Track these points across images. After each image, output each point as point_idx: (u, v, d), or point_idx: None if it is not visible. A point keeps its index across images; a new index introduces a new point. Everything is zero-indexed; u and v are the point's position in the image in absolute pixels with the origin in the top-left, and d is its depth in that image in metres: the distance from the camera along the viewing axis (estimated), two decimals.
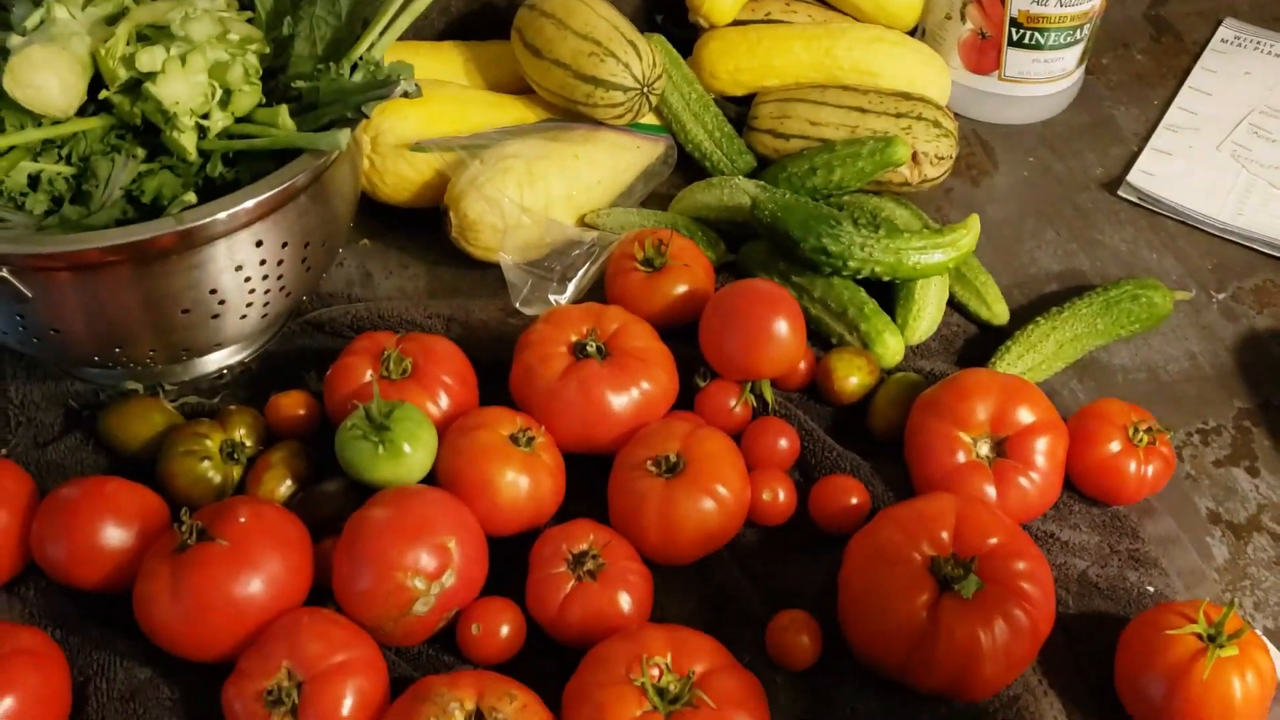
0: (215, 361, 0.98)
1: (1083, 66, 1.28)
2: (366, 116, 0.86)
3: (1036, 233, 1.16)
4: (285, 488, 0.86)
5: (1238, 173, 1.21)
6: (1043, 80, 1.24)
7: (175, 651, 0.78)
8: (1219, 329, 1.08)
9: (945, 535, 0.80)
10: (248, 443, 0.89)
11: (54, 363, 0.96)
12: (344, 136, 0.83)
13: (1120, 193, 1.20)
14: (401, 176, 1.07)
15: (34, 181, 0.86)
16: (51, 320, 0.84)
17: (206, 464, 0.86)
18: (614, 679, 0.72)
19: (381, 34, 0.90)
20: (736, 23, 1.21)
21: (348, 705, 0.72)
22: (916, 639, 0.77)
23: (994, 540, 0.80)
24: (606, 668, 0.73)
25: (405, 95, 0.85)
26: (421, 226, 1.11)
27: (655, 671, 0.72)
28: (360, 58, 0.89)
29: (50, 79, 0.81)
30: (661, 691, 0.72)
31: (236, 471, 0.88)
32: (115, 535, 0.80)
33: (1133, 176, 1.21)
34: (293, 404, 0.92)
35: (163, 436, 0.89)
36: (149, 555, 0.78)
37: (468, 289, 1.08)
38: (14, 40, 0.84)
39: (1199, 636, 0.77)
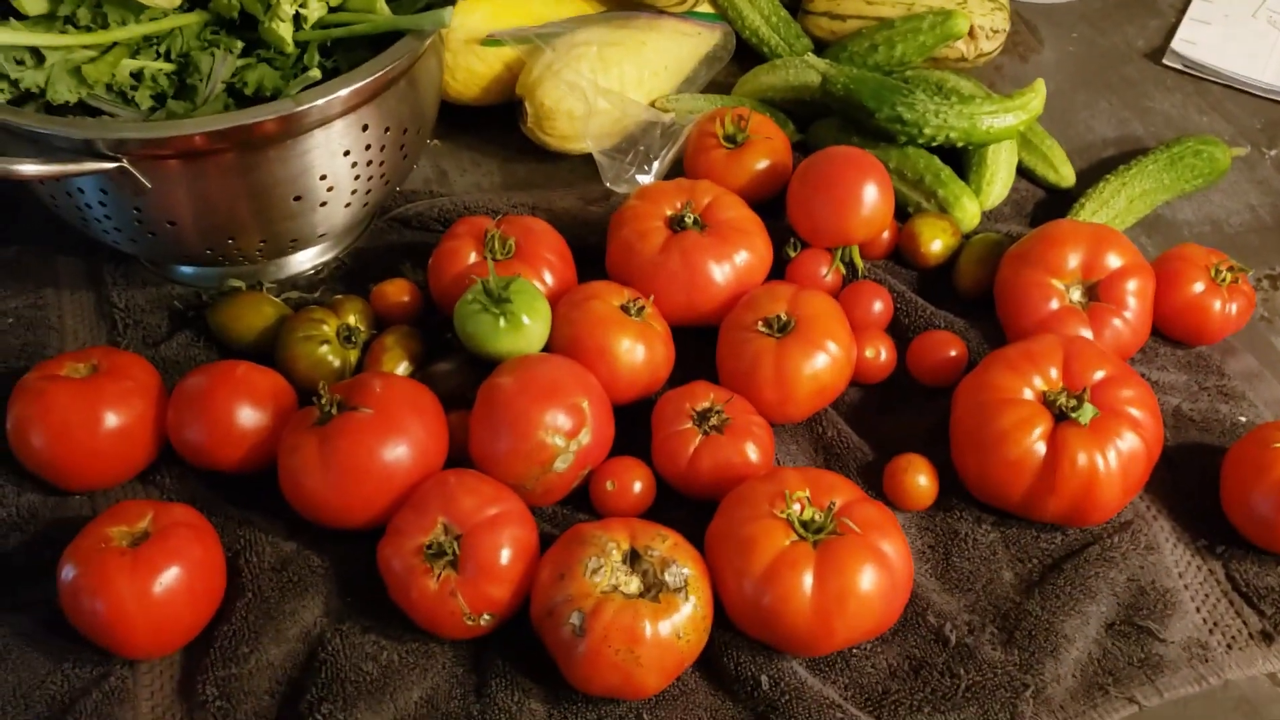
0: (309, 259, 0.99)
1: None
2: None
3: (1089, 103, 1.19)
4: (403, 368, 0.88)
5: (1276, 37, 1.24)
6: None
7: (323, 520, 0.80)
8: (1275, 182, 1.11)
9: (1054, 372, 0.83)
10: (361, 327, 0.90)
11: (165, 260, 0.97)
12: (448, 14, 0.84)
13: (1165, 61, 1.23)
14: (472, 72, 1.08)
15: (138, 77, 0.87)
16: (168, 212, 0.85)
17: (325, 348, 0.88)
18: (759, 514, 0.75)
19: None
20: None
21: (505, 555, 0.74)
22: (1038, 469, 0.80)
23: (1101, 373, 0.83)
24: (750, 505, 0.76)
25: None
26: (489, 124, 1.12)
27: (797, 506, 0.75)
28: None
29: None
30: (806, 524, 0.75)
31: (353, 355, 0.89)
32: (250, 416, 0.82)
33: (1176, 45, 1.23)
34: (398, 291, 0.93)
35: (275, 327, 0.90)
36: (289, 431, 0.80)
37: (543, 181, 1.09)
38: None
39: None
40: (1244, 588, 0.82)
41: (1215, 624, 0.80)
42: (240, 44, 0.88)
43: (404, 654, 0.76)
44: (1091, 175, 1.07)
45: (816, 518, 0.75)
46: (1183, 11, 1.28)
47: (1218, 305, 0.93)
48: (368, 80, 0.83)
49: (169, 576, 0.74)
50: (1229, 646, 0.79)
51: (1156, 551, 0.83)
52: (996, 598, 0.81)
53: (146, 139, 0.80)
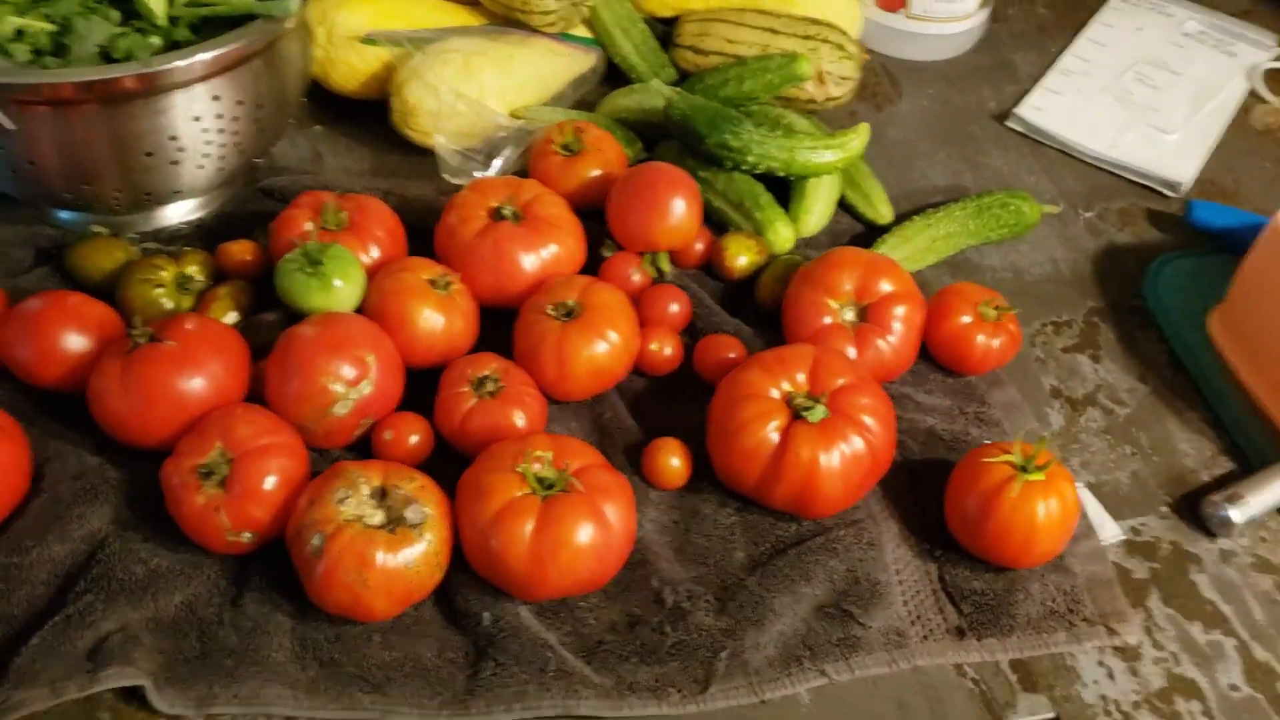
0: (175, 215, 1.09)
1: (986, 11, 1.40)
2: None
3: (929, 154, 1.28)
4: (230, 317, 0.98)
5: (1119, 112, 1.34)
6: (946, 20, 1.36)
7: (123, 439, 0.89)
8: (1082, 241, 1.20)
9: (802, 376, 0.92)
10: (199, 277, 1.00)
11: (28, 199, 1.07)
12: (294, 4, 0.94)
13: (1009, 123, 1.32)
14: (352, 67, 1.19)
15: (19, 34, 0.97)
16: (29, 153, 0.95)
17: (160, 291, 0.97)
18: (500, 467, 0.84)
19: None
20: None
21: (271, 481, 0.83)
22: (769, 458, 0.89)
23: (842, 381, 0.92)
24: (495, 459, 0.85)
25: None
26: (368, 116, 1.23)
27: (537, 465, 0.84)
28: None
29: None
30: (541, 480, 0.84)
31: (187, 301, 0.99)
32: (75, 341, 0.91)
33: (1021, 109, 1.33)
34: (241, 250, 1.03)
35: (122, 270, 1.00)
36: (104, 355, 0.89)
37: (407, 172, 1.19)
38: None
39: (1012, 465, 0.89)
40: (950, 588, 0.90)
41: (918, 617, 0.88)
42: (118, 15, 0.98)
43: (174, 563, 0.85)
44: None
45: (551, 476, 0.84)
46: (1038, 81, 1.38)
47: (981, 338, 1.02)
48: (215, 53, 0.94)
49: None
50: (925, 637, 0.87)
51: (877, 548, 0.91)
52: (723, 573, 0.89)
53: (11, 84, 0.91)
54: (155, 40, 0.94)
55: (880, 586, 0.89)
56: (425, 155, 1.19)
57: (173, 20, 0.99)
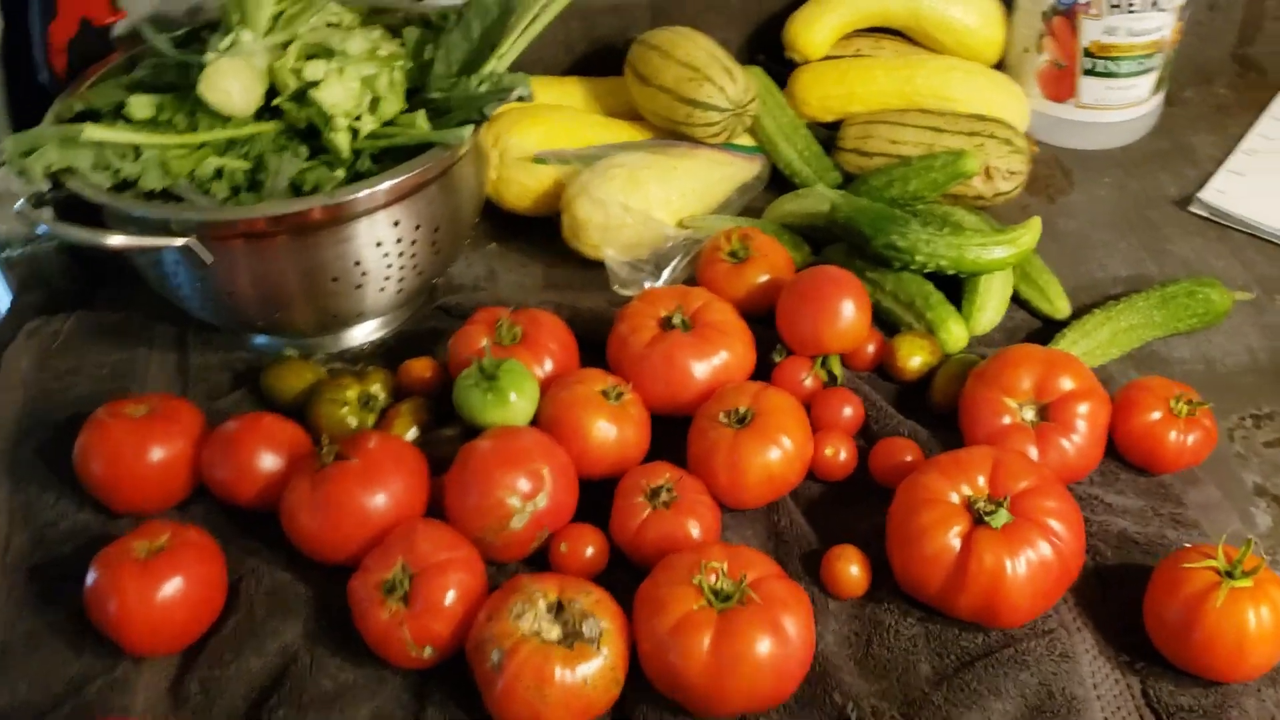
0: (359, 336, 1.14)
1: (1160, 95, 1.36)
2: (487, 117, 1.02)
3: (1107, 243, 1.25)
4: (412, 433, 1.01)
5: None
6: (1117, 107, 1.33)
7: (312, 554, 0.92)
8: None
9: (982, 480, 0.89)
10: (381, 395, 1.04)
11: (226, 326, 1.13)
12: (466, 132, 0.99)
13: (1191, 208, 1.28)
14: (524, 186, 1.23)
15: (219, 173, 1.03)
16: (226, 285, 1.01)
17: (345, 409, 1.01)
18: (677, 580, 0.83)
19: (504, 54, 1.06)
20: (828, 58, 1.34)
21: (450, 596, 0.84)
22: (950, 567, 0.86)
23: (1025, 483, 0.89)
24: (672, 571, 0.84)
25: (520, 99, 1.01)
26: (540, 232, 1.26)
27: (713, 576, 0.83)
28: (489, 73, 1.05)
29: (234, 84, 0.99)
30: (717, 592, 0.83)
31: (370, 419, 1.02)
32: (269, 460, 0.95)
33: (1204, 193, 1.28)
34: (421, 368, 1.06)
35: (312, 389, 1.04)
36: (294, 474, 0.93)
37: (578, 285, 1.22)
38: (209, 57, 1.02)
39: (1216, 571, 0.84)
40: (1156, 704, 0.85)
41: None
42: (306, 150, 1.04)
43: (359, 677, 0.87)
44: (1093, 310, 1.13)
45: (727, 587, 0.83)
46: (1221, 163, 1.33)
47: (1173, 435, 0.97)
48: (393, 182, 0.98)
49: (171, 586, 0.86)
50: None
51: (1071, 660, 0.87)
52: (908, 687, 0.86)
53: (213, 220, 0.97)
54: (339, 173, 1.00)
55: (1078, 702, 0.84)
56: (596, 268, 1.22)
57: (355, 153, 1.04)
